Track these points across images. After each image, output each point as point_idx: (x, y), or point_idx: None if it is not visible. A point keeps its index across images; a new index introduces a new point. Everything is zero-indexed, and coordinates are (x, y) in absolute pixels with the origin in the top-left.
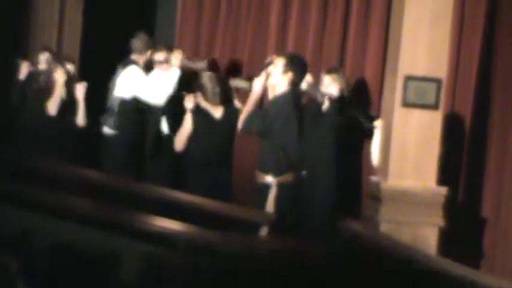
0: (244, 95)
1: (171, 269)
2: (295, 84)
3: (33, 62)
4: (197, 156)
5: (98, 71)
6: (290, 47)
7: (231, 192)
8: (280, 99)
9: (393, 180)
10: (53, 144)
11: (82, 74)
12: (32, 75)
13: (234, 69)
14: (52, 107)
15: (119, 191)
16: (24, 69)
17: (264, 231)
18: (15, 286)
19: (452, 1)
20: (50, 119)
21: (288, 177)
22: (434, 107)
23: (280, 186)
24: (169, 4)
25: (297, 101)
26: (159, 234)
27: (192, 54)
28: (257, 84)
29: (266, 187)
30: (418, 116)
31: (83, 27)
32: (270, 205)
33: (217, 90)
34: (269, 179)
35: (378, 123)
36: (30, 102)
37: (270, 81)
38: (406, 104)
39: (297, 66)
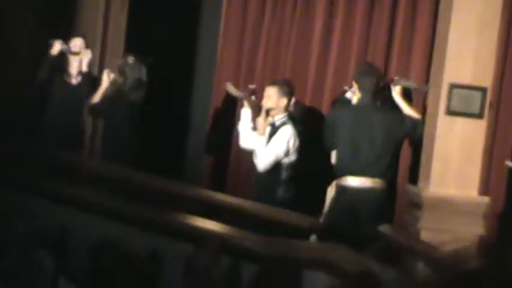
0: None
1: (210, 271)
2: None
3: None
4: None
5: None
6: (334, 54)
7: None
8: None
9: (435, 188)
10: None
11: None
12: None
13: None
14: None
15: (159, 191)
16: (57, 46)
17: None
18: (55, 283)
19: (500, 10)
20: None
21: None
22: (479, 116)
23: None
24: (213, 11)
25: None
26: (199, 235)
27: (234, 61)
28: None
29: None
30: (462, 124)
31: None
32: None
33: None
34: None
35: None
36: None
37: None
38: (450, 112)
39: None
